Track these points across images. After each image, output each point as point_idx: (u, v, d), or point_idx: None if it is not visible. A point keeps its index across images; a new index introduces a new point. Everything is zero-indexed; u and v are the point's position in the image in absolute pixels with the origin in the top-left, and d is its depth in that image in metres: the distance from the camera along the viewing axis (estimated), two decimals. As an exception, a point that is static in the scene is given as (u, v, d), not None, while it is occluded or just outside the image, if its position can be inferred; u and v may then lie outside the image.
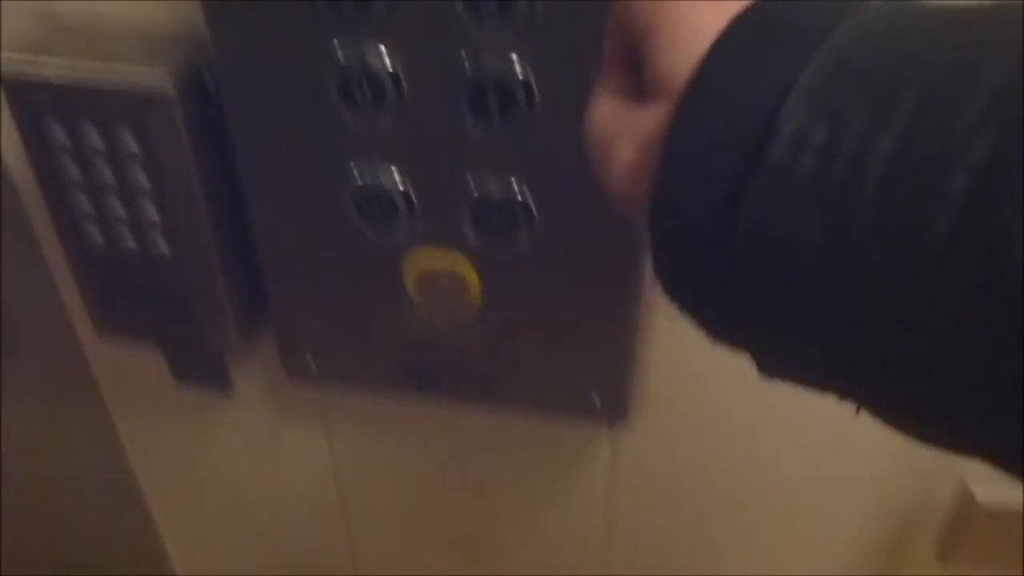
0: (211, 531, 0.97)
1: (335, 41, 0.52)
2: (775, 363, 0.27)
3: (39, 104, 0.56)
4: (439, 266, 0.60)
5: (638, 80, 0.29)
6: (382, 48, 0.51)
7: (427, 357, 0.66)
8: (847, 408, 0.26)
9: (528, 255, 0.58)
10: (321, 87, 0.53)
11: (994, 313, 0.20)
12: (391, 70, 0.52)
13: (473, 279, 0.60)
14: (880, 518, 0.75)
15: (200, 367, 0.75)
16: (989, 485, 0.70)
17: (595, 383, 0.64)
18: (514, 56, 0.50)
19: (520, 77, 0.51)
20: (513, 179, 0.55)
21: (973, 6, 0.23)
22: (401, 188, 0.57)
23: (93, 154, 0.56)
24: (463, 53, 0.51)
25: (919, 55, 0.22)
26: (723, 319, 0.27)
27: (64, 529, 0.89)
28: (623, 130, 0.29)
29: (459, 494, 0.83)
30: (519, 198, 0.56)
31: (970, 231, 0.20)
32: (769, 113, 0.23)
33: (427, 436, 0.79)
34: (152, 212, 0.59)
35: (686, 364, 0.66)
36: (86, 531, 0.91)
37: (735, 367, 0.30)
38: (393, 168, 0.56)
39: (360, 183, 0.57)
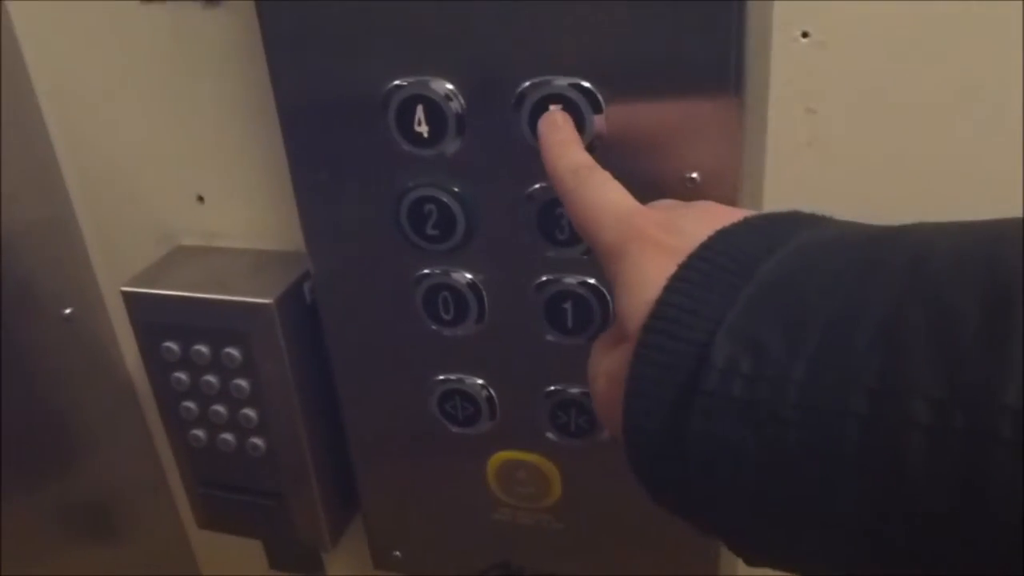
0: None
1: (421, 264, 0.56)
2: (744, 552, 0.31)
3: (154, 319, 0.61)
4: (519, 461, 0.62)
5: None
6: (464, 270, 0.55)
7: (511, 554, 0.66)
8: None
9: (607, 447, 0.59)
10: (409, 303, 0.57)
11: (897, 517, 0.23)
12: (472, 287, 0.55)
13: (553, 472, 0.61)
14: None
15: (295, 558, 0.78)
16: None
17: (681, 564, 0.63)
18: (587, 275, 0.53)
19: (590, 287, 0.54)
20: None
21: (868, 236, 0.28)
22: (483, 393, 0.59)
23: (200, 361, 0.61)
24: (538, 269, 0.54)
25: (823, 291, 0.26)
26: (694, 513, 0.31)
27: None
28: (600, 369, 0.36)
29: None
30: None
31: (871, 447, 0.23)
32: (705, 347, 0.28)
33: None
34: (251, 413, 0.63)
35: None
36: None
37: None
38: (476, 374, 0.59)
39: (445, 388, 0.60)
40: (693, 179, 0.49)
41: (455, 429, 0.61)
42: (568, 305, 0.55)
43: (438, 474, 0.65)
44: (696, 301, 0.29)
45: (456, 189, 0.53)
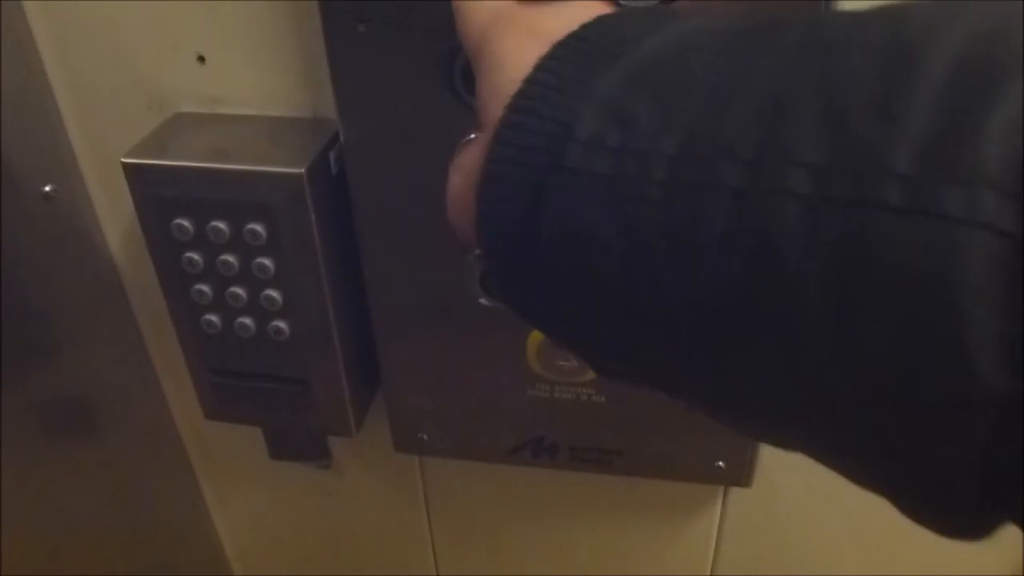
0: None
1: (471, 126, 0.51)
2: (599, 360, 0.28)
3: (164, 194, 0.55)
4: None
5: None
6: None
7: (546, 430, 0.65)
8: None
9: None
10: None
11: (768, 298, 0.21)
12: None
13: (597, 350, 0.59)
14: None
15: (301, 447, 0.74)
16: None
17: (721, 450, 0.63)
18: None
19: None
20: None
21: (771, 21, 0.25)
22: (530, 265, 0.56)
23: (218, 239, 0.56)
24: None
25: (705, 64, 0.24)
26: (548, 317, 0.28)
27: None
28: (455, 164, 0.32)
29: (561, 561, 0.82)
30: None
31: (741, 223, 0.21)
32: (570, 122, 0.25)
33: (529, 502, 0.78)
34: (274, 295, 0.58)
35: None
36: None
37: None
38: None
39: (489, 261, 0.56)
40: None
41: (496, 304, 0.58)
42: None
43: (472, 352, 0.62)
44: (565, 79, 0.26)
45: (516, 42, 0.48)
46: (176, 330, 0.62)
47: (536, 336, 0.60)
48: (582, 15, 0.29)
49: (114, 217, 0.65)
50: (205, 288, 0.58)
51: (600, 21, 0.28)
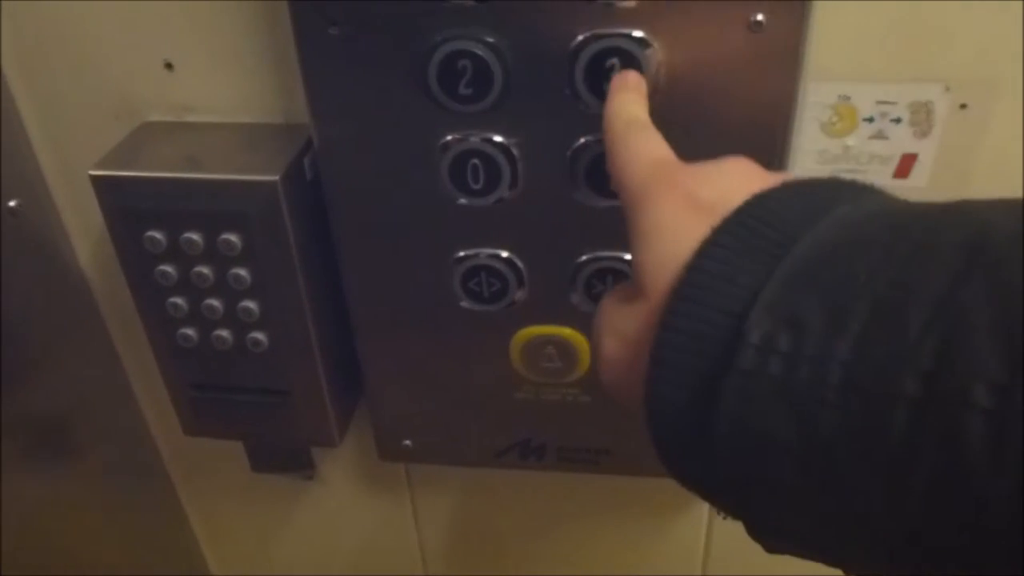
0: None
1: (449, 128, 0.50)
2: (763, 538, 0.29)
3: (134, 203, 0.54)
4: (548, 335, 0.59)
5: None
6: (495, 133, 0.50)
7: (533, 432, 0.64)
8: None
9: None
10: (433, 173, 0.52)
11: (952, 508, 0.21)
12: (505, 151, 0.51)
13: (584, 345, 0.59)
14: None
15: (284, 458, 0.73)
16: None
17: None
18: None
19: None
20: (624, 246, 0.54)
21: (914, 214, 0.26)
22: (512, 266, 0.55)
23: (192, 250, 0.54)
24: (577, 130, 0.50)
25: (870, 268, 0.24)
26: (715, 495, 0.30)
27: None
28: (609, 327, 0.33)
29: (553, 562, 0.81)
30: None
31: (923, 432, 0.21)
32: (739, 319, 0.26)
33: (519, 505, 0.77)
34: (251, 306, 0.57)
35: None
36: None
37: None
38: (503, 247, 0.55)
39: (470, 265, 0.56)
40: (759, 22, 0.46)
41: (479, 307, 0.57)
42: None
43: (456, 356, 0.61)
44: (732, 268, 0.27)
45: (491, 40, 0.47)
46: (151, 345, 0.61)
47: (520, 338, 0.59)
48: (739, 186, 0.30)
49: (83, 231, 0.64)
50: (180, 301, 0.57)
51: (760, 204, 0.29)
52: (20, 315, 0.64)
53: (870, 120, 0.54)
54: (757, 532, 0.29)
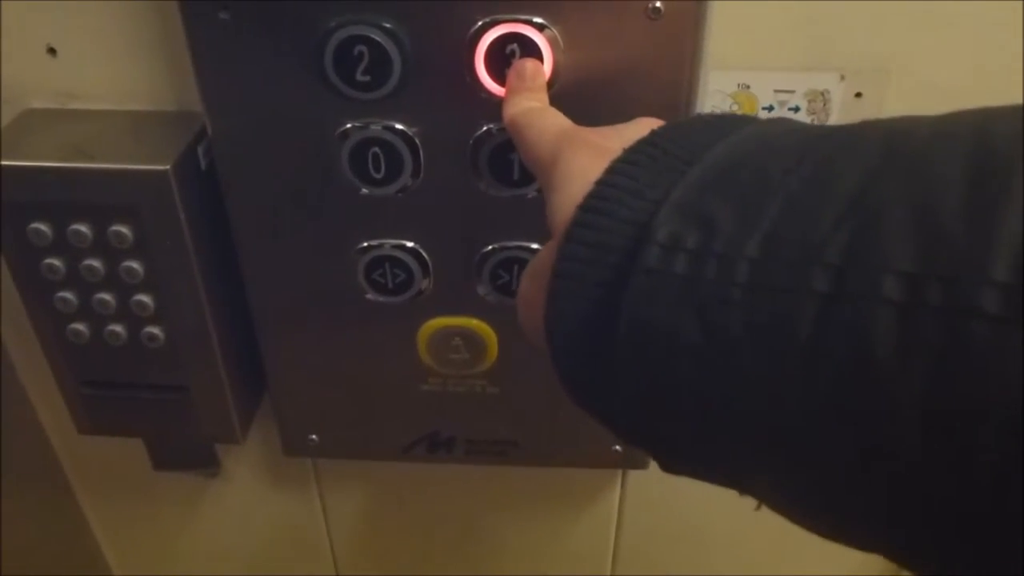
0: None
1: (348, 116, 0.49)
2: (669, 460, 0.28)
3: (17, 195, 0.51)
4: (453, 327, 0.58)
5: None
6: (396, 121, 0.49)
7: (441, 424, 0.63)
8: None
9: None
10: (332, 162, 0.51)
11: (856, 408, 0.20)
12: (407, 140, 0.50)
13: (490, 336, 0.58)
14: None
15: (186, 455, 0.71)
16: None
17: (617, 435, 0.63)
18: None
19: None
20: (528, 237, 0.54)
21: (828, 127, 0.26)
22: (416, 257, 0.55)
23: (80, 243, 0.52)
24: (480, 118, 0.49)
25: (784, 168, 0.24)
26: (619, 417, 0.28)
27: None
28: (526, 272, 0.33)
29: (465, 555, 0.81)
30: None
31: (830, 328, 0.21)
32: (645, 223, 0.25)
33: (430, 498, 0.76)
34: (145, 300, 0.55)
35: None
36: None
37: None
38: (407, 238, 0.54)
39: (373, 256, 0.54)
40: (657, 8, 0.46)
41: (384, 298, 0.56)
42: (515, 156, 0.50)
43: (361, 349, 0.60)
44: (639, 184, 0.27)
45: (389, 26, 0.46)
46: (40, 341, 0.58)
47: (426, 330, 0.58)
48: (646, 131, 0.29)
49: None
50: (69, 296, 0.55)
51: (670, 127, 0.29)
52: None
53: (769, 109, 0.54)
54: (659, 452, 0.28)
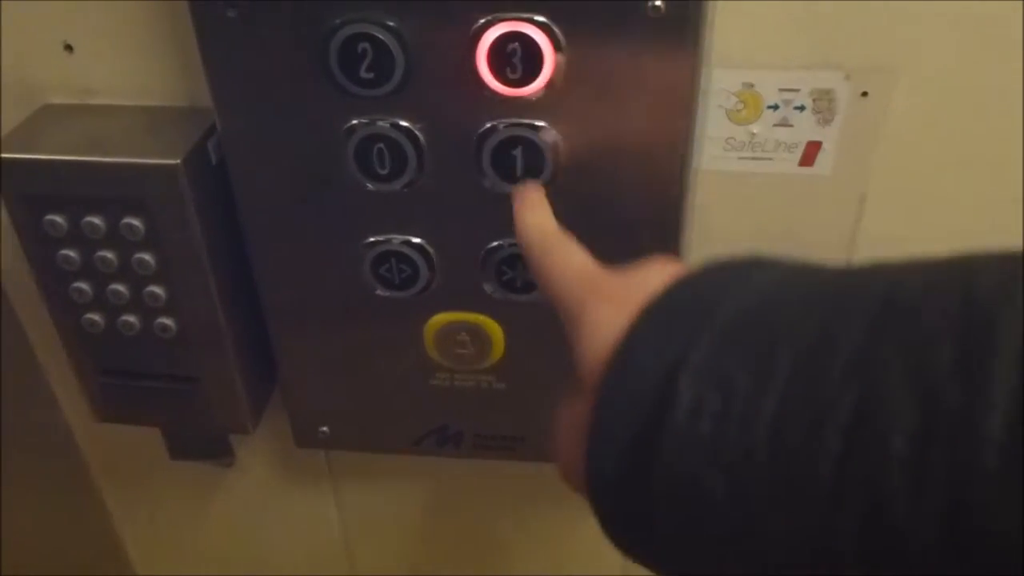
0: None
1: (352, 113, 0.50)
2: None
3: (34, 188, 0.53)
4: (460, 322, 0.59)
5: None
6: (400, 117, 0.50)
7: (449, 418, 0.64)
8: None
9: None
10: (338, 158, 0.51)
11: (875, 551, 0.22)
12: (411, 136, 0.50)
13: (496, 332, 0.59)
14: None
15: (202, 445, 0.72)
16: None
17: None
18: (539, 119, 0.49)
19: (545, 135, 0.50)
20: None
21: (830, 272, 0.28)
22: (422, 252, 0.55)
23: (94, 235, 0.54)
24: (483, 114, 0.50)
25: (789, 323, 0.26)
26: (657, 561, 0.31)
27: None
28: (560, 427, 0.36)
29: (476, 548, 0.81)
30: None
31: (848, 485, 0.22)
32: (669, 385, 0.27)
33: (439, 492, 0.77)
34: (157, 291, 0.56)
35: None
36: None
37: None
38: (413, 233, 0.55)
39: (379, 251, 0.55)
40: (657, 7, 0.46)
41: (390, 293, 0.57)
42: (517, 152, 0.51)
43: (370, 342, 0.61)
44: (659, 340, 0.29)
45: (391, 24, 0.47)
46: (58, 330, 0.60)
47: (433, 324, 0.59)
48: (664, 279, 0.32)
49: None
50: (84, 286, 0.56)
51: (683, 284, 0.31)
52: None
53: (775, 107, 0.54)
54: None
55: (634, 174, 0.51)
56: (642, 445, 0.28)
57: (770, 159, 0.56)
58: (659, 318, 0.30)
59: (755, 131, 0.55)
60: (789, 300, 0.27)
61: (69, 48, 0.55)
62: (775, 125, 0.55)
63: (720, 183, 0.56)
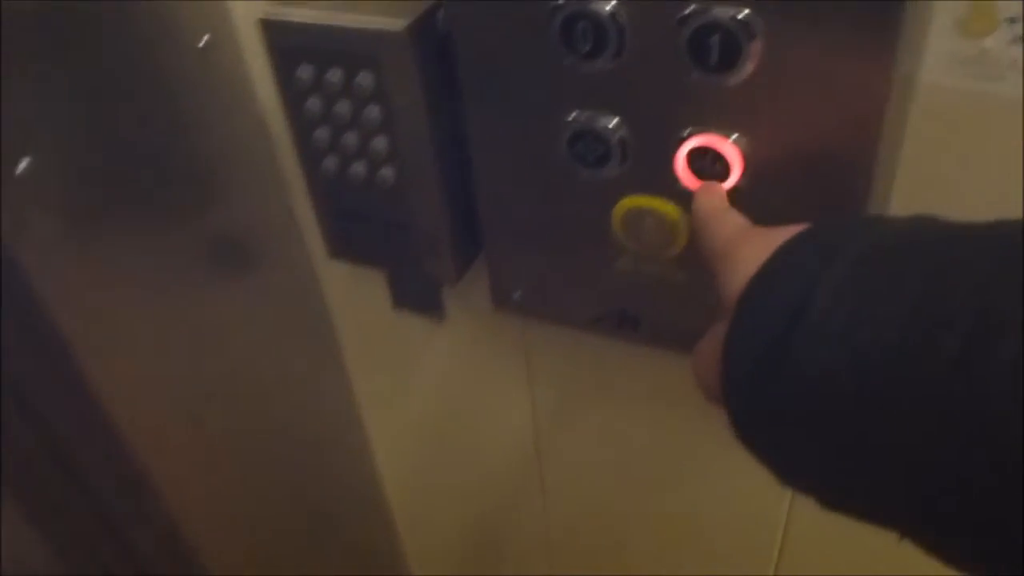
0: (417, 451, 1.04)
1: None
2: (829, 497, 0.34)
3: (291, 45, 0.61)
4: (647, 208, 0.61)
5: None
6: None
7: (629, 301, 0.67)
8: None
9: (739, 199, 0.57)
10: (545, 33, 0.55)
11: (980, 457, 0.26)
12: (613, 17, 0.53)
13: (681, 222, 0.60)
14: None
15: (418, 295, 0.80)
16: None
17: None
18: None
19: (744, 23, 0.50)
20: (729, 127, 0.55)
21: (959, 225, 0.32)
22: (616, 134, 0.58)
23: (334, 89, 0.61)
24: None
25: (924, 255, 0.30)
26: (785, 459, 0.34)
27: (281, 428, 0.97)
28: (701, 348, 0.42)
29: (649, 440, 0.84)
30: (733, 144, 0.55)
31: (960, 381, 0.26)
32: (806, 295, 0.31)
33: (623, 380, 0.80)
34: (382, 144, 0.63)
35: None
36: (302, 433, 0.99)
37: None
38: (610, 114, 0.58)
39: (576, 128, 0.59)
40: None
41: (584, 171, 0.61)
42: (715, 40, 0.51)
43: (563, 217, 0.65)
44: (798, 262, 0.34)
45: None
46: (303, 173, 0.69)
47: (621, 207, 0.61)
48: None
49: (263, 69, 0.72)
50: (323, 133, 0.64)
51: (824, 223, 0.36)
52: (206, 145, 0.73)
53: (1012, 21, 0.51)
54: (816, 488, 0.34)
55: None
56: (776, 344, 0.31)
57: (1001, 79, 0.53)
58: (801, 247, 0.35)
59: (987, 46, 0.52)
60: (927, 237, 0.31)
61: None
62: (1010, 42, 0.51)
63: (939, 100, 0.53)
